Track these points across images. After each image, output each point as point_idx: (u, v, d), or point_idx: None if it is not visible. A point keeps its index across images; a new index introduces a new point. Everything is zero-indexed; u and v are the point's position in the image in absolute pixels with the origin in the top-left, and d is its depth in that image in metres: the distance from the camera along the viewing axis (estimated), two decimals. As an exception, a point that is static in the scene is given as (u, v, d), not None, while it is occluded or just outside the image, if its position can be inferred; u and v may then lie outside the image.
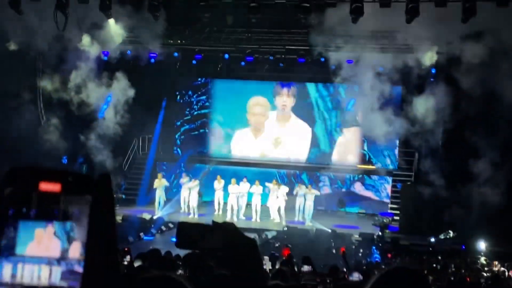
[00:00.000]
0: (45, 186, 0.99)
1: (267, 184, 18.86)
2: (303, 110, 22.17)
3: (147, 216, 18.25)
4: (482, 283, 9.47)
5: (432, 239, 16.63)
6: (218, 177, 19.44)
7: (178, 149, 23.23)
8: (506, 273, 11.60)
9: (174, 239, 1.56)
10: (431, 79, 19.11)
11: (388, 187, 21.30)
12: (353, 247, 15.86)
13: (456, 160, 17.61)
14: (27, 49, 17.17)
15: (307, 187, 19.17)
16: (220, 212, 18.94)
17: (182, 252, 8.73)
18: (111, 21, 16.94)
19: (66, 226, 0.99)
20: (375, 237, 16.77)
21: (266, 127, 22.41)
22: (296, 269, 8.97)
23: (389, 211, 19.73)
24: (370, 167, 21.62)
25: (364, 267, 11.93)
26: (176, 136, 23.28)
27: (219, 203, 19.10)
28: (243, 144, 22.48)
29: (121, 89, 19.57)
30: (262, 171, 21.10)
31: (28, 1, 14.81)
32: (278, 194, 18.64)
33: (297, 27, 18.34)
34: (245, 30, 19.08)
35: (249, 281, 1.55)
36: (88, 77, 19.23)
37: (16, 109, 17.69)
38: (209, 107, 23.06)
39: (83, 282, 0.98)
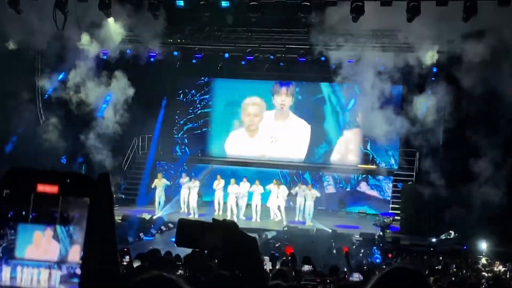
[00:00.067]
0: (42, 188, 0.96)
1: (267, 187, 18.84)
2: (311, 107, 22.12)
3: (147, 216, 18.25)
4: (483, 284, 9.43)
5: (433, 239, 16.61)
6: (218, 177, 19.46)
7: (182, 148, 23.22)
8: (508, 274, 11.58)
9: (174, 239, 1.53)
10: (432, 78, 19.10)
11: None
12: (354, 247, 15.84)
13: (457, 160, 17.60)
14: (26, 48, 17.15)
15: (307, 187, 19.16)
16: (220, 212, 18.93)
17: (182, 253, 8.71)
18: (111, 20, 16.91)
19: (65, 228, 0.98)
20: (376, 237, 16.76)
21: (262, 127, 22.43)
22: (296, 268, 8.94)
23: (390, 211, 19.72)
24: (371, 167, 21.63)
25: (365, 267, 11.92)
26: (179, 135, 23.30)
27: (219, 203, 19.10)
28: (240, 144, 22.51)
29: (120, 88, 19.57)
30: (263, 171, 21.10)
31: (27, 0, 14.79)
32: (278, 194, 18.64)
33: (297, 26, 18.33)
34: (245, 29, 19.07)
35: (249, 281, 1.52)
36: (87, 76, 19.22)
37: (15, 109, 17.67)
38: (211, 106, 23.11)
39: (81, 284, 0.95)
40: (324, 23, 16.31)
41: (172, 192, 20.44)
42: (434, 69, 18.91)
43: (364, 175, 21.51)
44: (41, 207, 0.96)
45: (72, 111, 19.40)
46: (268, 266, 9.40)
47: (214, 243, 1.49)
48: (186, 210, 19.03)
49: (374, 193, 21.42)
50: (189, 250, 8.44)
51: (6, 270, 0.95)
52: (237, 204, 18.88)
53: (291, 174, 21.96)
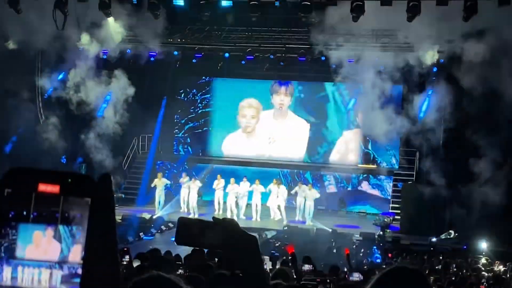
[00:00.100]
0: (44, 188, 0.96)
1: (267, 187, 18.84)
2: (313, 105, 22.12)
3: (147, 215, 18.25)
4: (483, 283, 9.44)
5: (433, 239, 16.61)
6: (218, 176, 19.47)
7: (185, 147, 23.23)
8: (508, 273, 11.57)
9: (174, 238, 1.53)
10: (432, 78, 19.10)
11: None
12: (354, 246, 15.85)
13: (457, 160, 17.61)
14: (26, 48, 17.15)
15: (307, 187, 19.16)
16: (221, 211, 18.94)
17: (183, 252, 8.72)
18: (111, 19, 16.91)
19: (66, 228, 0.97)
20: (376, 236, 16.76)
21: (260, 127, 22.43)
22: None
23: (390, 210, 19.73)
24: (371, 166, 21.63)
25: (365, 267, 11.93)
26: (181, 134, 23.31)
27: (219, 203, 19.11)
28: (239, 144, 22.53)
29: (120, 88, 19.58)
30: (263, 171, 21.12)
31: (27, 0, 14.78)
32: (278, 194, 18.65)
33: (297, 26, 18.33)
34: (246, 28, 19.07)
35: (250, 280, 1.52)
36: (87, 76, 19.22)
37: (15, 108, 17.68)
38: (211, 105, 23.14)
39: (82, 284, 0.95)
40: (324, 22, 16.31)
41: (173, 192, 20.45)
42: (434, 69, 18.91)
43: (365, 175, 21.51)
44: (42, 207, 0.96)
45: (72, 110, 19.41)
46: (268, 265, 9.41)
47: (214, 241, 1.49)
48: (186, 210, 19.03)
49: (375, 192, 21.43)
50: (189, 250, 8.46)
51: (7, 270, 0.95)
52: (237, 204, 18.89)
53: (291, 174, 21.97)
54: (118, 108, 19.81)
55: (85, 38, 18.29)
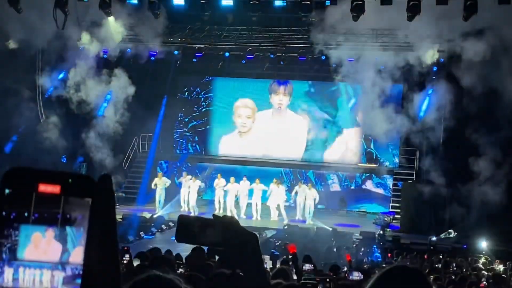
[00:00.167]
0: (44, 188, 0.96)
1: (269, 187, 18.83)
2: (313, 104, 22.10)
3: (147, 214, 18.24)
4: (483, 282, 9.44)
5: (433, 238, 16.61)
6: (219, 175, 19.48)
7: (193, 145, 23.21)
8: (508, 272, 11.57)
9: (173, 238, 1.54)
10: (433, 77, 19.09)
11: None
12: (354, 245, 15.85)
13: (457, 159, 17.60)
14: (27, 47, 17.14)
15: (307, 186, 19.16)
16: (221, 210, 18.93)
17: (183, 252, 8.71)
18: (111, 19, 16.91)
19: (66, 229, 0.96)
20: (376, 235, 16.75)
21: (259, 127, 22.40)
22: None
23: (390, 209, 19.73)
24: (371, 165, 21.62)
25: (365, 266, 11.94)
26: (189, 133, 23.28)
27: (219, 202, 19.10)
28: (239, 144, 22.51)
29: (121, 87, 19.57)
30: (265, 170, 21.11)
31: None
32: (277, 193, 18.64)
33: (298, 25, 18.32)
34: (246, 28, 19.06)
35: (251, 279, 1.52)
36: (87, 75, 19.21)
37: (15, 107, 17.67)
38: (212, 105, 23.15)
39: (83, 285, 0.95)
40: (324, 22, 16.30)
41: (173, 191, 20.44)
42: (434, 68, 18.90)
43: (368, 174, 21.50)
44: (42, 207, 0.95)
45: (72, 110, 19.39)
46: (268, 264, 9.41)
47: (214, 239, 1.49)
48: (186, 209, 19.02)
49: (380, 190, 21.42)
50: (189, 249, 8.45)
51: (9, 272, 0.94)
52: (237, 203, 18.88)
53: (294, 173, 21.97)
54: (119, 107, 19.80)
55: (85, 37, 18.28)
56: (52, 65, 19.31)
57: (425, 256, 14.20)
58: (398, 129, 19.11)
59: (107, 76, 19.55)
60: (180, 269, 6.97)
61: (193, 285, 1.55)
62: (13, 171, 0.96)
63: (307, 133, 22.18)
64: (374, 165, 21.59)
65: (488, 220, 15.67)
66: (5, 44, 17.36)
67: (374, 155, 21.77)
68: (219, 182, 19.19)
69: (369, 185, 21.55)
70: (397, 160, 21.54)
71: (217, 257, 7.65)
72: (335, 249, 14.91)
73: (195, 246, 6.30)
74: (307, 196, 18.66)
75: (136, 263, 7.57)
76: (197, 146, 23.26)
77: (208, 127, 23.09)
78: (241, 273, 1.53)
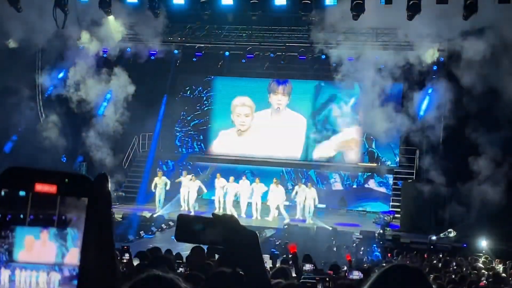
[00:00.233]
0: (40, 188, 0.95)
1: (269, 187, 18.84)
2: (313, 104, 22.13)
3: (147, 214, 18.24)
4: (483, 281, 9.44)
5: (433, 237, 16.61)
6: (218, 175, 19.48)
7: (199, 143, 23.22)
8: (507, 272, 11.58)
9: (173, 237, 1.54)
10: (433, 76, 19.09)
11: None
12: (354, 245, 15.85)
13: (457, 158, 17.59)
14: (27, 46, 17.14)
15: (307, 186, 19.16)
16: (221, 210, 18.92)
17: (183, 251, 8.72)
18: (111, 18, 16.90)
19: (63, 230, 0.95)
20: (376, 235, 16.75)
21: (258, 126, 22.40)
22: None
23: (390, 209, 19.73)
24: (371, 165, 21.61)
25: (365, 265, 11.94)
26: (193, 132, 23.27)
27: (219, 201, 19.10)
28: (238, 144, 22.49)
29: (121, 86, 19.56)
30: (266, 169, 21.11)
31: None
32: (277, 193, 18.64)
33: (298, 24, 18.31)
34: (246, 27, 19.05)
35: (251, 278, 1.52)
36: (87, 74, 19.21)
37: (15, 106, 17.67)
38: (212, 104, 23.16)
39: (79, 286, 0.94)
40: (324, 21, 16.29)
41: (173, 190, 20.43)
42: (434, 67, 18.90)
43: (370, 173, 21.50)
44: (39, 207, 0.94)
45: (72, 109, 19.40)
46: (268, 264, 9.41)
47: (214, 237, 1.49)
48: (186, 208, 19.02)
49: (382, 189, 21.41)
50: (189, 248, 8.45)
51: (5, 273, 0.93)
52: (237, 202, 18.88)
53: (295, 172, 21.96)
54: (119, 107, 19.79)
55: (85, 36, 18.28)
56: (52, 64, 19.31)
57: (425, 255, 14.21)
58: (398, 128, 19.11)
59: (107, 75, 19.55)
60: (180, 268, 6.98)
61: (193, 284, 1.55)
62: (9, 170, 0.95)
63: (307, 133, 22.15)
64: (375, 164, 21.58)
65: (488, 219, 15.66)
66: (5, 43, 17.35)
67: (376, 154, 21.76)
68: (219, 181, 19.19)
69: (371, 184, 21.54)
70: (398, 159, 21.53)
71: (217, 256, 7.65)
72: (335, 248, 14.92)
73: (195, 245, 6.30)
74: (307, 196, 18.66)
75: (136, 262, 7.57)
76: (202, 144, 23.27)
77: (209, 125, 23.11)
78: (241, 272, 1.53)
